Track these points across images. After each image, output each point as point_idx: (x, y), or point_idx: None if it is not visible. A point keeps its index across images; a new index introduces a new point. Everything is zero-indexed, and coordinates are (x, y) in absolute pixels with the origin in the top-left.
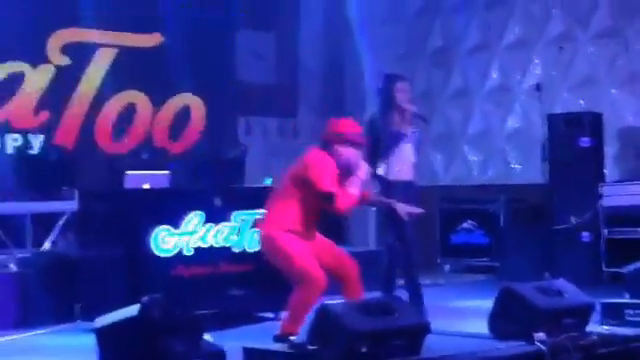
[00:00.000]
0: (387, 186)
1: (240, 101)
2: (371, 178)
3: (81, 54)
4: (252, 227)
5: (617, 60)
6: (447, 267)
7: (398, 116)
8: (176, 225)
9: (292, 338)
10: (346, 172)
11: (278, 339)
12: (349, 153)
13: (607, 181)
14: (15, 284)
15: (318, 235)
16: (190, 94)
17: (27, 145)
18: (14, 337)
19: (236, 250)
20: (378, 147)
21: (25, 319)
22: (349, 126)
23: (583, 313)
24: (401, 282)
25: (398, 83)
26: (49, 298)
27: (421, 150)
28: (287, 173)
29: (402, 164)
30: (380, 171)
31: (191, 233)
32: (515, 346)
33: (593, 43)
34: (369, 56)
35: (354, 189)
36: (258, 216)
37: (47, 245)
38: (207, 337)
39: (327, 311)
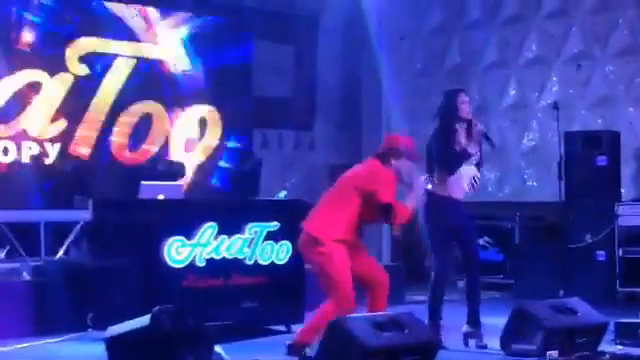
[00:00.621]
0: (435, 202)
1: (257, 113)
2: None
3: (100, 64)
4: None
5: (635, 79)
6: (461, 283)
7: (464, 134)
8: (189, 236)
9: (307, 350)
10: (401, 185)
11: (292, 349)
12: (407, 168)
13: (623, 200)
14: (28, 292)
15: (358, 241)
16: (207, 106)
17: (43, 154)
18: (26, 345)
19: (249, 262)
20: (443, 163)
21: (37, 327)
22: (406, 142)
23: (596, 332)
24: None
25: (459, 95)
26: (61, 307)
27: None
28: (346, 180)
29: (458, 183)
30: (430, 186)
31: (204, 244)
32: None
33: (611, 62)
34: (387, 71)
35: (411, 202)
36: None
37: (60, 254)
38: (218, 349)
39: (339, 326)
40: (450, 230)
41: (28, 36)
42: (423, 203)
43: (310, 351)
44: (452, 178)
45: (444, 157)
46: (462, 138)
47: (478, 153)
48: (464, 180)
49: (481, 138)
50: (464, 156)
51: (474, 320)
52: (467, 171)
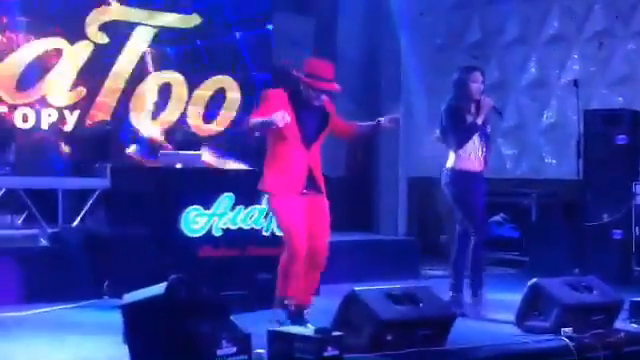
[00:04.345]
0: (454, 175)
1: (276, 85)
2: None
3: (120, 32)
4: None
5: None
6: None
7: (474, 108)
8: (207, 206)
9: (287, 302)
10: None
11: (276, 303)
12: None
13: None
14: (45, 259)
15: (321, 202)
16: (226, 77)
17: (62, 121)
18: (42, 311)
19: (265, 233)
20: (452, 137)
21: (53, 293)
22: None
23: (611, 310)
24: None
25: (473, 74)
26: (78, 274)
27: (491, 142)
28: None
29: (472, 155)
30: (450, 162)
31: (221, 215)
32: (542, 341)
33: (633, 40)
34: (406, 46)
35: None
36: None
37: (78, 221)
38: (232, 319)
39: (355, 298)
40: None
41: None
42: (445, 181)
43: (289, 302)
44: (464, 150)
45: (453, 133)
46: (470, 114)
47: (488, 126)
48: (476, 151)
49: (490, 111)
50: (472, 129)
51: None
52: (477, 143)
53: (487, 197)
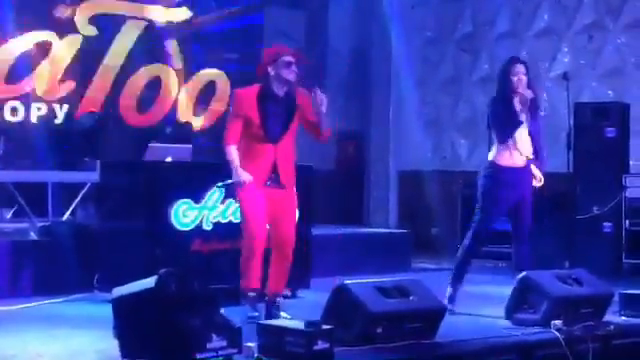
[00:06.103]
0: (496, 171)
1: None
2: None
3: (109, 26)
4: None
5: None
6: None
7: (517, 101)
8: (197, 199)
9: (250, 294)
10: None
11: (243, 299)
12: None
13: (631, 172)
14: (35, 252)
15: (284, 195)
16: (216, 70)
17: (51, 115)
18: (32, 304)
19: None
20: (495, 131)
21: (43, 287)
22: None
23: (601, 303)
24: None
25: (512, 66)
26: (68, 267)
27: (542, 136)
28: None
29: (512, 151)
30: (490, 155)
31: (211, 208)
32: (532, 333)
33: (623, 33)
34: (397, 38)
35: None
36: None
37: (68, 215)
38: (222, 312)
39: (344, 291)
40: (507, 202)
41: None
42: (482, 173)
43: (254, 294)
44: (508, 145)
45: (495, 125)
46: (516, 106)
47: (531, 121)
48: (520, 147)
49: (527, 105)
50: (513, 124)
51: None
52: (522, 138)
53: (533, 196)
